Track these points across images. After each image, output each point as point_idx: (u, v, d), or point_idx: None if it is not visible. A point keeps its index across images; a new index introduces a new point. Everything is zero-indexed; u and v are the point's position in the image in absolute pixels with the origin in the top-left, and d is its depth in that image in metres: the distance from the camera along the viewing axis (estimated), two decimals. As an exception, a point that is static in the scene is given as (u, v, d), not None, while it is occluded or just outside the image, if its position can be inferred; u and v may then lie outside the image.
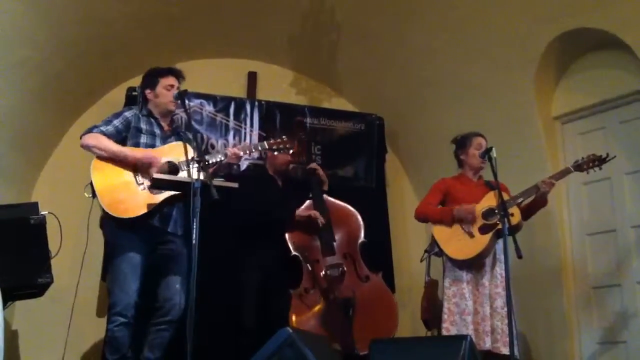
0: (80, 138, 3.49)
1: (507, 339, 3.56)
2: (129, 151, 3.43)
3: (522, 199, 3.97)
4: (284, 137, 3.86)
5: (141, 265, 3.43)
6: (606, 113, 4.64)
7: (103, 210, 3.35)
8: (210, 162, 3.53)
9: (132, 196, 3.35)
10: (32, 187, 5.07)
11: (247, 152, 3.75)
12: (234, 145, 5.07)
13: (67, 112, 5.25)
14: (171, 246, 3.53)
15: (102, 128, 3.49)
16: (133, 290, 3.38)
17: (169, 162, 3.47)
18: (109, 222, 3.41)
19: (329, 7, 5.32)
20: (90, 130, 3.49)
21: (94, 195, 3.35)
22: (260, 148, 3.81)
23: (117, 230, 3.41)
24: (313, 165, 4.58)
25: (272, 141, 3.82)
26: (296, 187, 4.54)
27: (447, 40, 5.05)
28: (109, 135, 3.47)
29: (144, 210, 3.33)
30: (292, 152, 4.01)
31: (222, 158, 3.60)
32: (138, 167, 3.41)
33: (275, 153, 3.99)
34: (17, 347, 4.73)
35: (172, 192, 3.36)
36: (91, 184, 3.36)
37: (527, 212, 4.11)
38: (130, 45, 5.17)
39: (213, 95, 5.39)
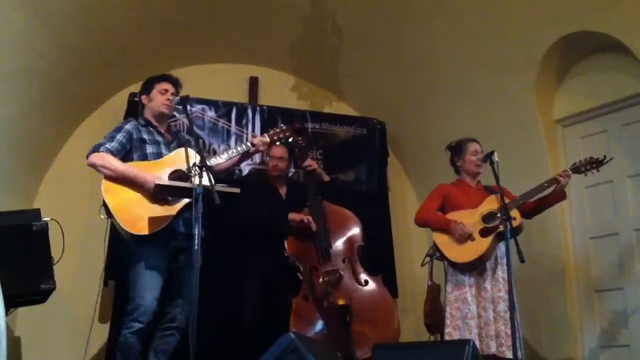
0: (87, 157, 3.46)
1: (511, 343, 3.55)
2: (137, 172, 3.40)
3: (522, 201, 3.96)
4: (282, 125, 3.85)
5: (162, 274, 3.42)
6: (608, 116, 4.64)
7: (124, 230, 3.31)
8: (232, 154, 3.58)
9: (148, 210, 3.33)
10: (34, 194, 5.08)
11: (269, 140, 3.75)
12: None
13: (69, 118, 5.26)
14: (191, 253, 3.52)
15: (107, 145, 3.46)
16: (153, 298, 3.36)
17: (176, 170, 3.46)
18: (141, 238, 3.36)
19: (330, 12, 5.33)
20: (96, 149, 3.45)
21: (109, 215, 3.34)
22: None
23: (137, 240, 3.38)
24: (308, 162, 4.48)
25: (271, 132, 3.80)
26: (298, 192, 4.53)
27: (448, 44, 5.06)
28: (115, 152, 3.46)
29: (164, 224, 3.33)
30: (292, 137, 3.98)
31: (247, 148, 3.62)
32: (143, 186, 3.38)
33: (277, 143, 3.97)
34: (20, 353, 4.73)
35: (187, 200, 3.33)
36: (105, 204, 3.34)
37: (541, 206, 4.08)
38: (132, 51, 5.19)
39: (215, 100, 5.40)
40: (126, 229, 3.29)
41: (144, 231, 3.30)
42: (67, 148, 5.30)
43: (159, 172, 3.43)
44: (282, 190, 4.50)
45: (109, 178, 3.39)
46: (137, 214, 3.32)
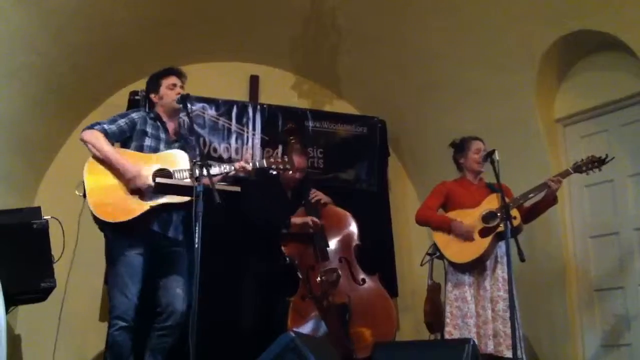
0: (82, 131, 3.48)
1: (510, 342, 3.55)
2: (119, 159, 3.39)
3: (522, 200, 3.96)
4: (285, 157, 3.83)
5: (141, 268, 3.41)
6: (608, 115, 4.64)
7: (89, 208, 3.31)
8: (215, 172, 3.52)
9: (121, 200, 3.32)
10: (34, 192, 5.08)
11: (252, 165, 3.70)
12: (236, 155, 5.14)
13: (70, 116, 5.26)
14: (172, 249, 3.53)
15: (105, 126, 3.47)
16: (133, 294, 3.36)
17: (160, 169, 3.44)
18: (107, 226, 3.38)
19: (331, 10, 5.33)
20: (92, 126, 3.47)
21: (85, 195, 3.33)
22: (258, 165, 3.73)
23: (116, 234, 3.40)
24: (314, 194, 4.45)
25: (272, 160, 3.77)
26: (299, 192, 4.52)
27: (449, 43, 5.05)
28: (111, 134, 3.46)
29: (132, 216, 3.30)
30: (292, 171, 3.99)
31: (230, 169, 3.60)
32: (122, 175, 3.38)
33: (274, 173, 3.96)
34: (20, 351, 4.73)
35: (162, 201, 3.34)
36: (83, 182, 3.35)
37: (534, 212, 4.10)
38: (132, 49, 5.19)
39: (215, 99, 5.39)
40: (93, 212, 3.28)
41: (109, 218, 3.29)
42: (67, 146, 5.30)
43: (147, 165, 3.42)
44: (289, 191, 4.49)
45: (95, 158, 3.40)
46: (108, 200, 3.32)
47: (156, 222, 3.44)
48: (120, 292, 3.36)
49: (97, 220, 3.32)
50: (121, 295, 3.35)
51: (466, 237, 3.98)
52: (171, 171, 3.43)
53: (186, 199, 3.27)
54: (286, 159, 3.79)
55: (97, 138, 3.42)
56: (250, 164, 3.67)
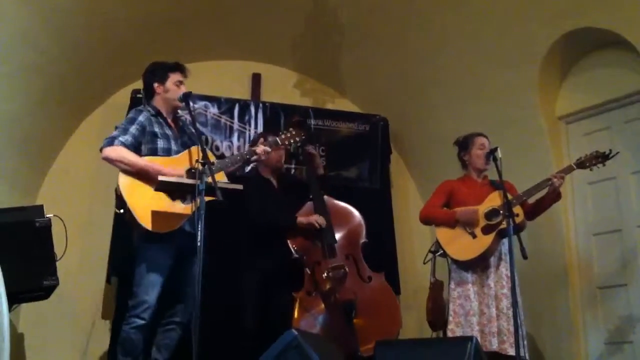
0: (101, 150, 3.40)
1: (514, 339, 3.54)
2: (155, 166, 3.39)
3: (525, 197, 3.96)
4: (290, 129, 3.85)
5: (165, 272, 3.42)
6: (611, 112, 4.63)
7: (140, 225, 3.31)
8: (239, 158, 3.61)
9: (168, 209, 3.34)
10: (36, 191, 5.09)
11: (270, 147, 3.75)
12: (239, 147, 5.15)
13: (71, 115, 5.27)
14: (194, 251, 3.53)
15: (121, 139, 3.40)
16: (156, 296, 3.37)
17: (190, 169, 3.45)
18: (140, 228, 3.37)
19: (333, 8, 5.33)
20: (111, 142, 3.39)
21: (124, 209, 3.32)
22: (273, 144, 3.78)
23: (148, 237, 3.38)
24: (310, 149, 4.51)
25: (283, 136, 3.80)
26: (297, 189, 4.52)
27: (451, 40, 5.05)
28: (129, 146, 3.41)
29: (183, 221, 3.36)
30: (291, 147, 3.99)
31: (251, 155, 3.64)
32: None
33: (290, 148, 3.96)
34: (23, 350, 4.74)
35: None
36: (120, 198, 3.32)
37: (538, 208, 4.08)
38: (134, 48, 5.19)
39: (217, 97, 5.40)
40: (150, 229, 3.28)
41: (167, 230, 3.31)
42: (69, 145, 5.31)
43: (178, 169, 3.44)
44: (275, 183, 4.48)
45: (125, 172, 3.37)
46: (157, 212, 3.31)
47: (188, 222, 3.43)
48: (144, 291, 3.36)
49: (149, 233, 3.31)
50: (145, 295, 3.35)
51: (474, 218, 3.97)
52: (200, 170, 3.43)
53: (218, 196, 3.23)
54: (293, 132, 3.82)
55: (123, 154, 3.37)
56: (270, 147, 3.71)
